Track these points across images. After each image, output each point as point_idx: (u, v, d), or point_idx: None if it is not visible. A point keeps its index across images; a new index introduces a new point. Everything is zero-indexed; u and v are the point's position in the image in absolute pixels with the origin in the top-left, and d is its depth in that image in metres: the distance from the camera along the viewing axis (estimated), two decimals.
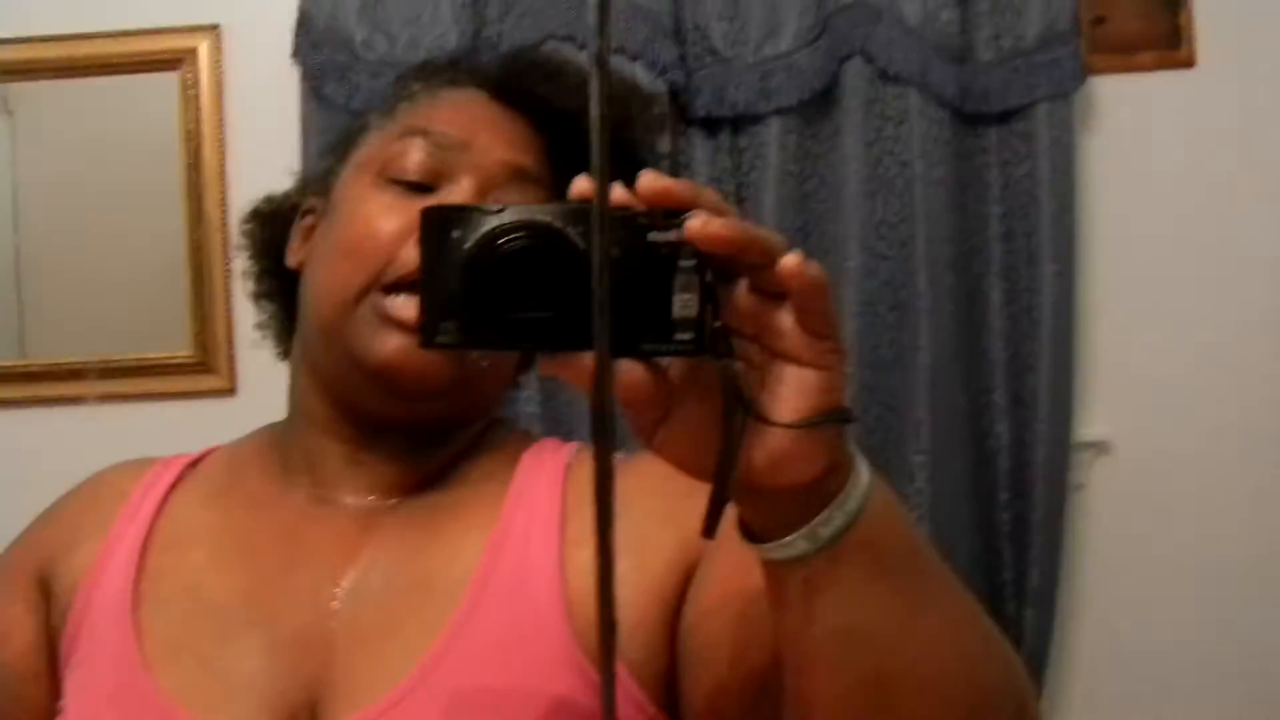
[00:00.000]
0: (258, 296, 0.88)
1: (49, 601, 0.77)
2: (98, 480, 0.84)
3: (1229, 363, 1.66)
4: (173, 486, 0.81)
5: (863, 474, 0.49)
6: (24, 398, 1.61)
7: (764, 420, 0.46)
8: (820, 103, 1.62)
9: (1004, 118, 1.64)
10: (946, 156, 1.61)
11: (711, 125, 1.61)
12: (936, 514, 1.57)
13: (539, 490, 0.75)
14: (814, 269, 0.45)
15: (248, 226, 0.88)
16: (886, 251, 1.60)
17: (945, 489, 1.58)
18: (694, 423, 0.48)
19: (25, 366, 1.63)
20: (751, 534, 0.51)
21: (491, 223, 0.47)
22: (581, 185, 0.47)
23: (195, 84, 1.59)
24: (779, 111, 1.59)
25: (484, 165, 0.75)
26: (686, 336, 0.46)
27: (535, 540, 0.72)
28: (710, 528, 0.49)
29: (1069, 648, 1.66)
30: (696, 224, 0.45)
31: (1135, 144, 1.67)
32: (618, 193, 0.46)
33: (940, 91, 1.60)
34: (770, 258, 0.45)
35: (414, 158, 0.75)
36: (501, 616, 0.68)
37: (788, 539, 0.49)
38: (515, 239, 0.46)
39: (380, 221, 0.73)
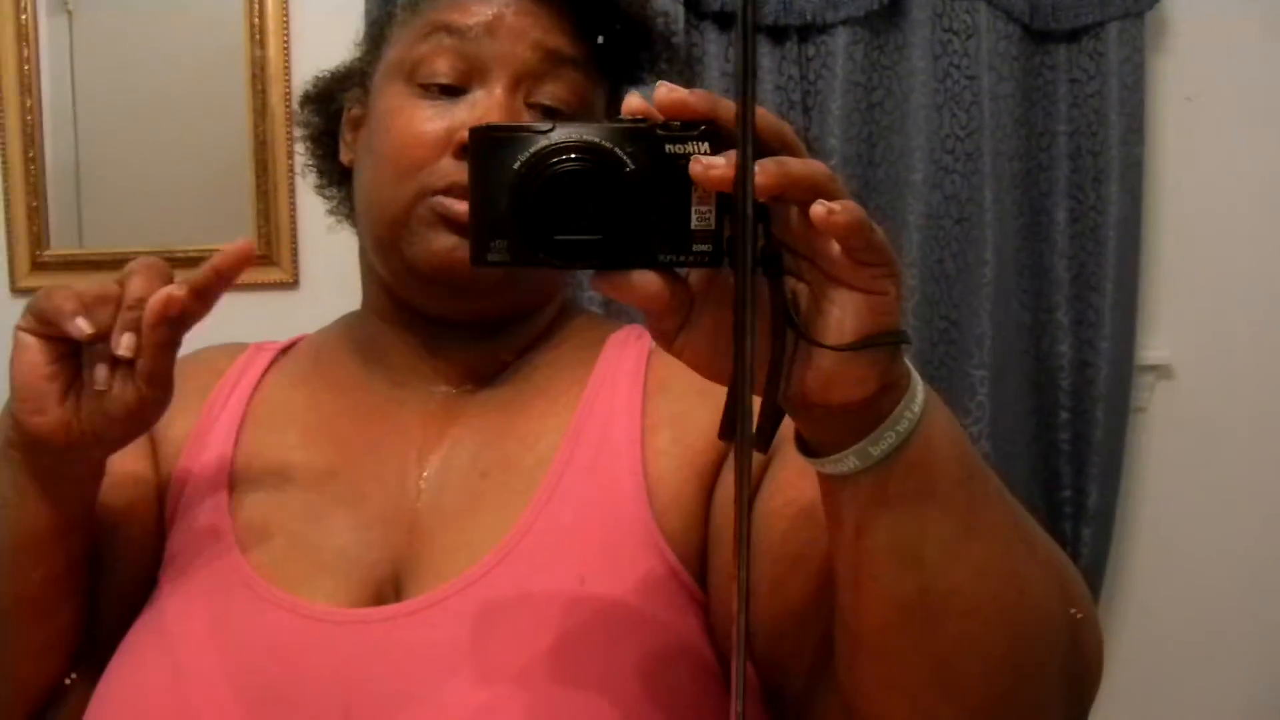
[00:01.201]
0: (321, 186, 0.88)
1: (156, 462, 0.78)
2: (194, 356, 0.84)
3: None
4: (265, 370, 0.82)
5: (918, 395, 0.49)
6: None
7: (812, 342, 0.46)
8: (888, 14, 1.60)
9: (1074, 35, 1.63)
10: (1014, 72, 1.60)
11: (778, 33, 1.60)
12: (996, 429, 1.55)
13: (621, 375, 0.75)
14: (844, 214, 0.43)
15: (302, 115, 0.87)
16: (952, 165, 1.59)
17: (1005, 405, 1.57)
18: (712, 329, 0.48)
19: (83, 255, 1.62)
20: (808, 448, 0.51)
21: (540, 143, 0.46)
22: (634, 103, 0.46)
23: None
24: (846, 21, 1.58)
25: (515, 54, 0.74)
26: (704, 248, 0.46)
27: (616, 423, 0.72)
28: (726, 430, 0.49)
29: (1125, 567, 1.65)
30: (698, 169, 0.44)
31: (1205, 65, 1.65)
32: (634, 103, 0.46)
33: (1009, 7, 1.59)
34: (810, 194, 0.44)
35: (441, 61, 0.74)
36: (582, 497, 0.69)
37: (839, 455, 0.49)
38: (564, 160, 0.46)
39: (417, 136, 0.73)
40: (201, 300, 0.62)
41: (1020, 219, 1.61)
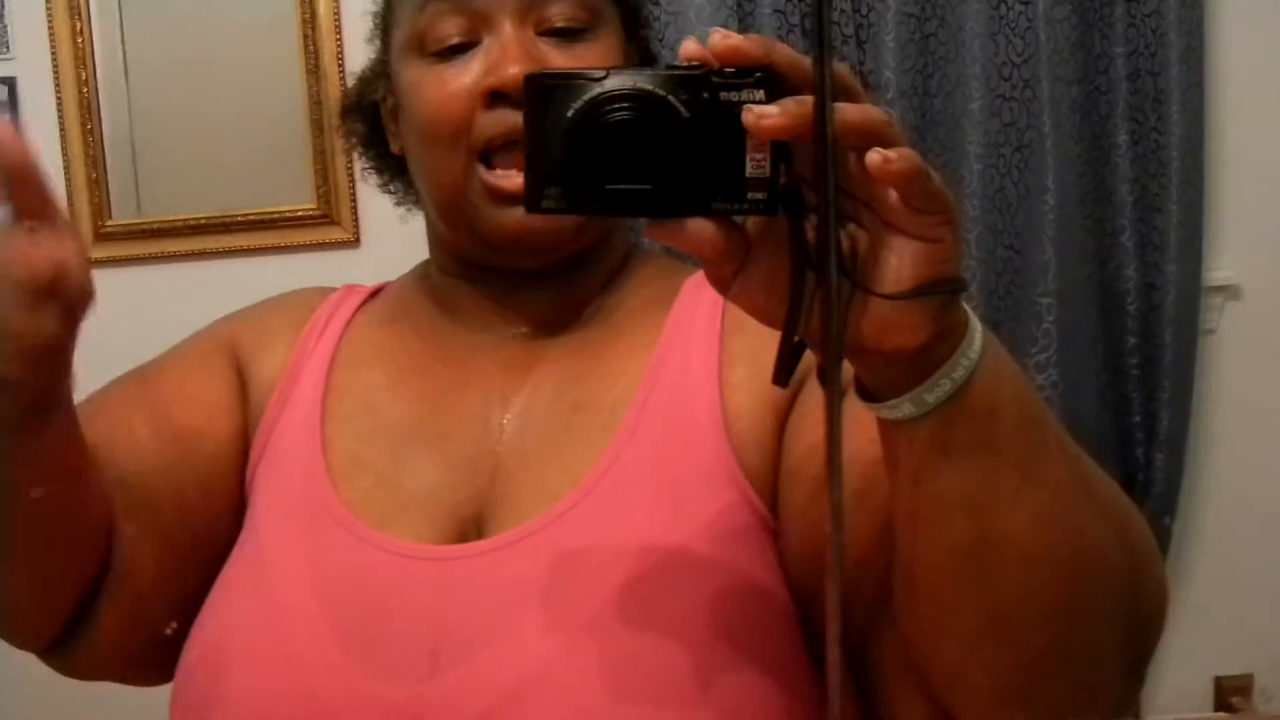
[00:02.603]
0: (384, 185, 0.88)
1: (245, 394, 0.78)
2: (287, 295, 0.86)
3: None
4: (356, 310, 0.82)
5: (975, 342, 0.48)
6: (145, 254, 1.62)
7: (864, 289, 0.46)
8: None
9: None
10: None
11: None
12: (1063, 356, 1.54)
13: (699, 314, 0.75)
14: (900, 162, 0.43)
15: (345, 127, 0.88)
16: (1010, 93, 1.57)
17: (1073, 331, 1.56)
18: (768, 275, 0.48)
19: (146, 224, 1.63)
20: (867, 394, 0.51)
21: (594, 90, 0.46)
22: (690, 48, 0.46)
23: None
24: None
25: None
26: (759, 196, 0.46)
27: (695, 361, 0.72)
28: (781, 375, 0.49)
29: (1198, 491, 1.64)
30: (750, 118, 0.44)
31: None
32: (691, 49, 0.46)
33: None
34: (865, 141, 0.44)
35: (443, 25, 0.73)
36: (661, 434, 0.69)
37: (895, 401, 0.48)
38: (618, 109, 0.45)
39: (443, 101, 0.72)
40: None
41: (1080, 144, 1.59)
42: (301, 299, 0.84)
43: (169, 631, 0.72)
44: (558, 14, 0.74)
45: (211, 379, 0.79)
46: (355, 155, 0.90)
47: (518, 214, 0.70)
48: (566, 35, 0.74)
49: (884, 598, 0.60)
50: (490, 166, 0.72)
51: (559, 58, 0.73)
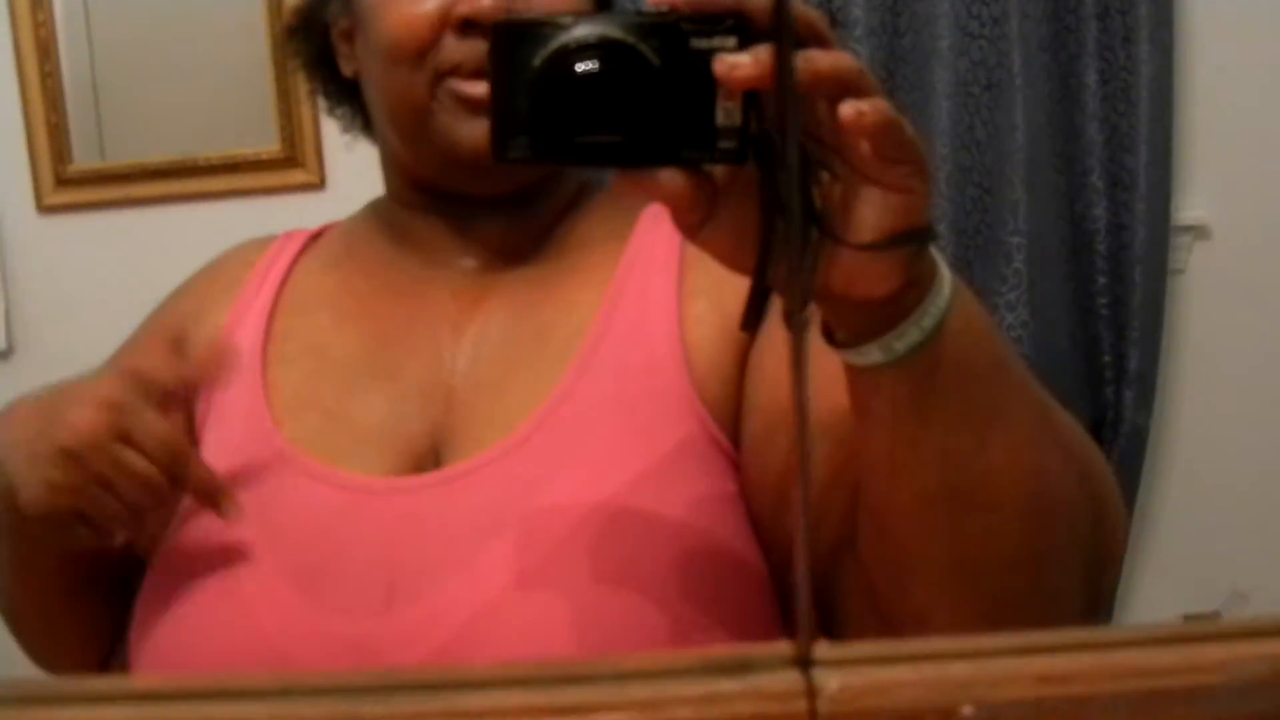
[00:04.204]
0: (330, 109, 0.87)
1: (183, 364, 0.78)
2: (225, 255, 0.84)
3: None
4: (296, 256, 0.81)
5: (944, 290, 0.48)
6: (108, 199, 1.59)
7: (835, 239, 0.46)
8: None
9: None
10: None
11: None
12: (1034, 296, 1.54)
13: (658, 245, 0.74)
14: (873, 114, 0.42)
15: (291, 46, 0.86)
16: (979, 31, 1.56)
17: (1043, 270, 1.56)
18: (738, 223, 0.47)
19: (107, 169, 1.61)
20: (832, 338, 0.51)
21: (561, 39, 0.45)
22: None
23: None
24: None
25: None
26: (729, 145, 0.45)
27: (653, 291, 0.71)
28: (750, 321, 0.49)
29: (1167, 429, 1.64)
30: (722, 68, 0.43)
31: None
32: None
33: None
34: (838, 90, 0.43)
35: None
36: (619, 363, 0.68)
37: (864, 347, 0.49)
38: (585, 58, 0.44)
39: (410, 22, 0.70)
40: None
41: (1050, 83, 1.58)
42: (239, 256, 0.82)
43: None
44: None
45: (156, 359, 0.78)
46: (303, 77, 0.88)
47: (481, 127, 0.69)
48: None
49: (845, 534, 0.60)
50: (462, 78, 0.70)
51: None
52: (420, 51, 0.70)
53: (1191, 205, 1.64)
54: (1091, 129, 1.60)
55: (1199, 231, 1.64)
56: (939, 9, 1.56)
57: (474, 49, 0.68)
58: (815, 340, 0.63)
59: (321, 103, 0.88)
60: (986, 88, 1.56)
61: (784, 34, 0.40)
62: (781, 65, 0.40)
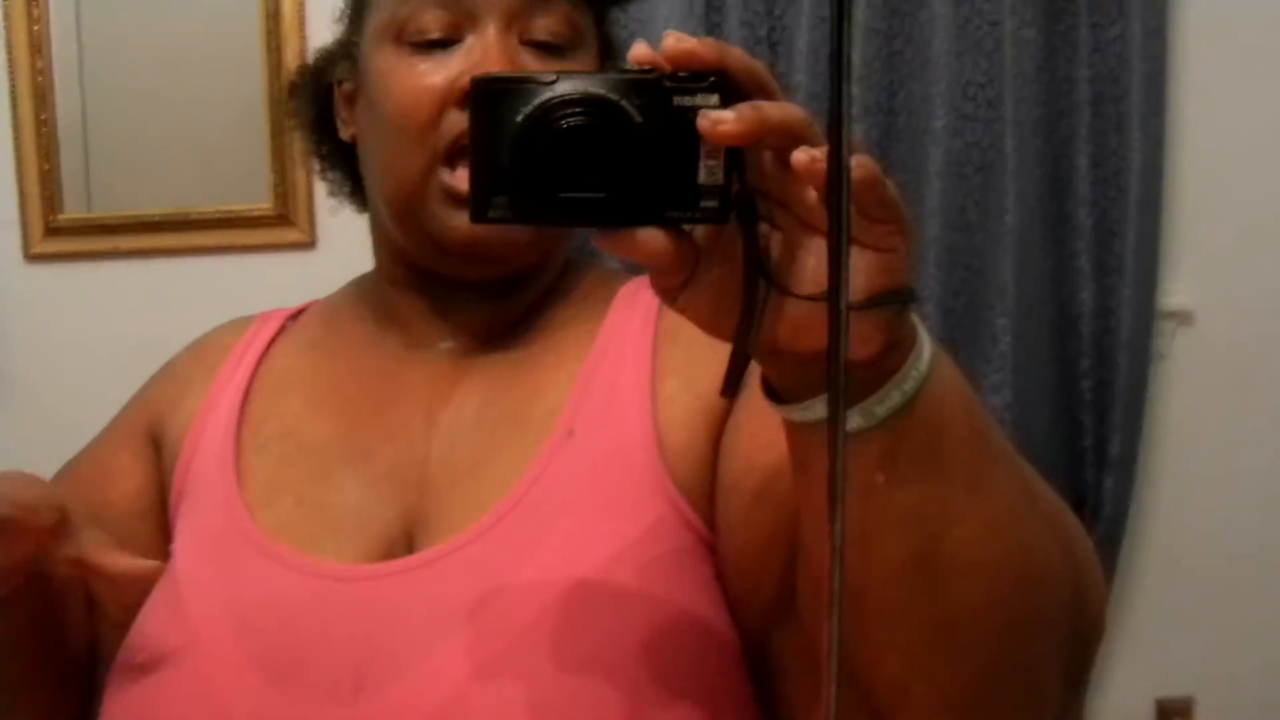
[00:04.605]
0: (322, 171, 0.87)
1: (160, 454, 0.78)
2: (204, 338, 0.85)
3: None
4: (273, 339, 0.82)
5: (924, 353, 0.48)
6: (97, 250, 1.59)
7: (815, 299, 0.45)
8: None
9: None
10: (1036, 18, 1.58)
11: None
12: (1018, 377, 1.55)
13: (632, 325, 0.74)
14: (859, 169, 0.42)
15: (293, 104, 0.87)
16: (974, 112, 1.57)
17: (1028, 352, 1.57)
18: (718, 285, 0.47)
19: (97, 220, 1.60)
20: (777, 397, 0.51)
21: (544, 95, 0.45)
22: (641, 52, 0.45)
23: None
24: None
25: None
26: (712, 204, 0.45)
27: (626, 373, 0.71)
28: (729, 388, 0.49)
29: (1148, 516, 1.65)
30: (705, 124, 0.43)
31: (1229, 9, 1.63)
32: (641, 52, 0.45)
33: None
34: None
35: (428, 17, 0.72)
36: (593, 444, 0.68)
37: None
38: (569, 115, 0.44)
39: (417, 94, 0.71)
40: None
41: (1042, 166, 1.59)
42: (216, 340, 0.84)
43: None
44: (543, 26, 0.73)
45: (121, 447, 0.79)
46: (300, 136, 0.88)
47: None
48: (548, 49, 0.74)
49: (783, 597, 0.60)
50: (452, 168, 0.71)
51: (539, 70, 0.71)
52: (422, 125, 0.71)
53: (1176, 291, 1.65)
54: (1081, 213, 1.61)
55: (1183, 317, 1.66)
56: (934, 90, 1.57)
57: None
58: (750, 401, 0.64)
59: (314, 164, 0.88)
60: (979, 169, 1.57)
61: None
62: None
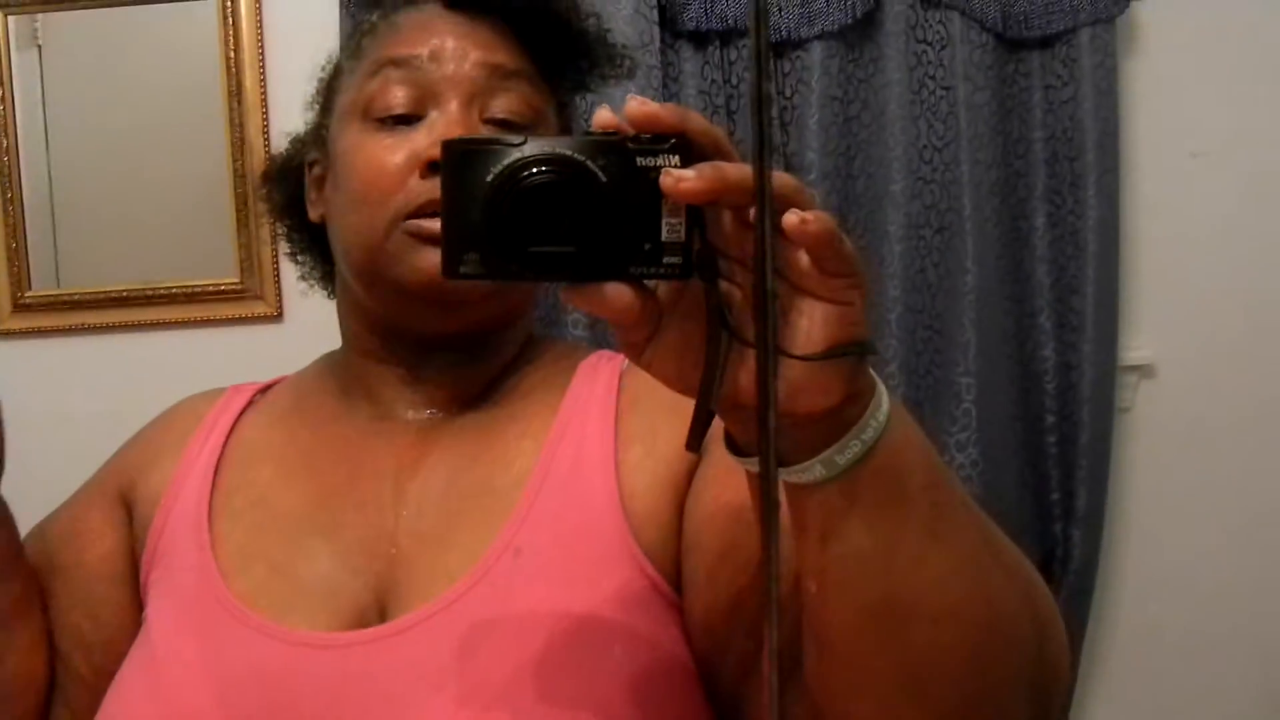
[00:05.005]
0: (293, 254, 0.89)
1: (131, 517, 0.79)
2: (177, 407, 0.87)
3: (1276, 286, 1.66)
4: (243, 410, 0.82)
5: (883, 404, 0.49)
6: (65, 325, 1.59)
7: (780, 352, 0.47)
8: (862, 27, 1.61)
9: (1046, 43, 1.64)
10: (989, 81, 1.61)
11: (699, 39, 1.57)
12: (983, 435, 1.56)
13: (594, 396, 0.76)
14: (815, 223, 0.44)
15: (263, 191, 0.89)
16: (930, 175, 1.60)
17: (992, 411, 1.58)
18: (681, 341, 0.48)
19: (66, 295, 1.61)
20: (740, 451, 0.52)
21: (513, 155, 0.47)
22: (604, 116, 0.47)
23: (234, 9, 1.57)
24: (821, 36, 1.58)
25: (463, 74, 0.75)
26: (675, 260, 0.47)
27: (590, 442, 0.73)
28: (694, 442, 0.50)
29: (1115, 568, 1.66)
30: (668, 182, 0.45)
31: (1177, 68, 1.66)
32: (605, 117, 0.47)
33: (982, 16, 1.60)
34: (780, 204, 0.45)
35: (393, 93, 0.75)
36: (558, 514, 0.69)
37: (805, 465, 0.49)
38: (537, 173, 0.46)
39: (381, 165, 0.74)
40: None
41: (1000, 226, 1.62)
42: (189, 408, 0.84)
43: None
44: (503, 106, 0.76)
45: (93, 509, 0.80)
46: (272, 222, 0.90)
47: (435, 257, 0.71)
48: (507, 127, 0.76)
49: (753, 649, 0.61)
50: (419, 219, 0.72)
51: None
52: (386, 194, 0.73)
53: (1138, 345, 1.67)
54: (1040, 271, 1.63)
55: (1145, 371, 1.68)
56: (892, 154, 1.59)
57: (436, 189, 0.71)
58: (711, 463, 0.65)
59: (284, 247, 0.89)
60: (938, 231, 1.60)
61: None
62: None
